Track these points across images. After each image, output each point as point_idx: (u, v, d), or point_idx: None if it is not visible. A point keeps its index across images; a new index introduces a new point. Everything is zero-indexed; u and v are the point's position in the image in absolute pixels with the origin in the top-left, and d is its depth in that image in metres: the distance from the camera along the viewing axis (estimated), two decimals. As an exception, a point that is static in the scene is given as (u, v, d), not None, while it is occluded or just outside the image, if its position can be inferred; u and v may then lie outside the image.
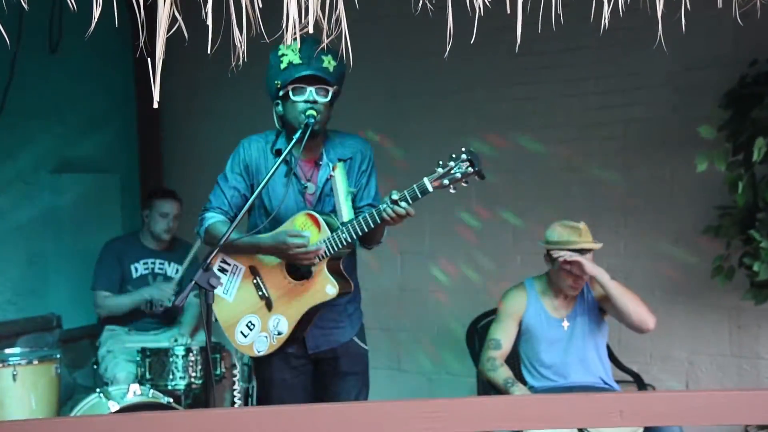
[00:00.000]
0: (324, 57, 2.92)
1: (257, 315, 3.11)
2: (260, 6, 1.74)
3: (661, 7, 2.16)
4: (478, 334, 4.26)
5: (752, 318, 4.19)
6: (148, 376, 4.15)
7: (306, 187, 3.10)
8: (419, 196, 2.75)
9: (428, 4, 1.96)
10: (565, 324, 3.74)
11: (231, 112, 5.66)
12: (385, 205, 2.77)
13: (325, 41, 1.89)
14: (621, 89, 4.42)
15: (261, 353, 3.08)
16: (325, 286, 2.98)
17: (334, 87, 2.98)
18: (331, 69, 2.94)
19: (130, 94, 5.85)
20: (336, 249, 2.92)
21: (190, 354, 4.16)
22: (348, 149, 3.11)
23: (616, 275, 3.71)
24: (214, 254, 2.69)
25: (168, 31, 6.59)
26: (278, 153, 3.05)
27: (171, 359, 4.14)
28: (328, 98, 2.97)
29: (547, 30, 4.56)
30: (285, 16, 1.74)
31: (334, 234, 2.91)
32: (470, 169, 2.66)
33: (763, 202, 3.67)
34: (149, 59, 1.78)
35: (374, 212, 2.81)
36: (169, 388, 4.13)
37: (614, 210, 4.36)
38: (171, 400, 3.97)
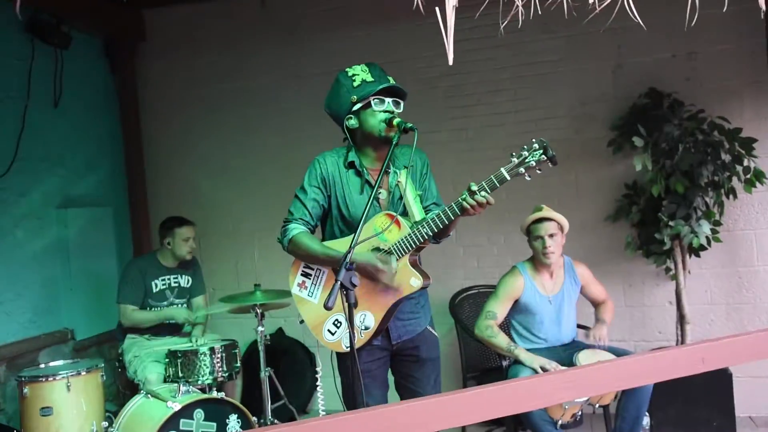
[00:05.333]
0: (389, 78, 3.02)
1: (342, 313, 2.96)
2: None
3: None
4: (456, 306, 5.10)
5: (638, 278, 5.38)
6: (180, 374, 4.44)
7: (380, 193, 3.04)
8: (497, 185, 2.71)
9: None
10: (553, 301, 4.23)
11: (204, 152, 6.18)
12: (465, 195, 2.71)
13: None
14: (534, 119, 5.53)
15: (349, 347, 2.79)
16: (410, 279, 2.90)
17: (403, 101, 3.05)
18: (398, 86, 3.01)
19: (117, 140, 6.30)
20: (417, 243, 2.86)
21: (214, 353, 4.49)
22: (408, 157, 3.06)
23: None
24: (348, 256, 2.55)
25: (161, 82, 6.53)
26: (351, 165, 3.06)
27: (200, 358, 4.45)
28: (401, 110, 3.02)
29: (473, 76, 5.67)
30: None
31: (415, 228, 2.84)
32: (544, 156, 2.59)
33: (667, 192, 4.67)
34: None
35: (454, 205, 2.75)
36: (200, 383, 4.44)
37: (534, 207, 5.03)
38: (224, 394, 4.38)
